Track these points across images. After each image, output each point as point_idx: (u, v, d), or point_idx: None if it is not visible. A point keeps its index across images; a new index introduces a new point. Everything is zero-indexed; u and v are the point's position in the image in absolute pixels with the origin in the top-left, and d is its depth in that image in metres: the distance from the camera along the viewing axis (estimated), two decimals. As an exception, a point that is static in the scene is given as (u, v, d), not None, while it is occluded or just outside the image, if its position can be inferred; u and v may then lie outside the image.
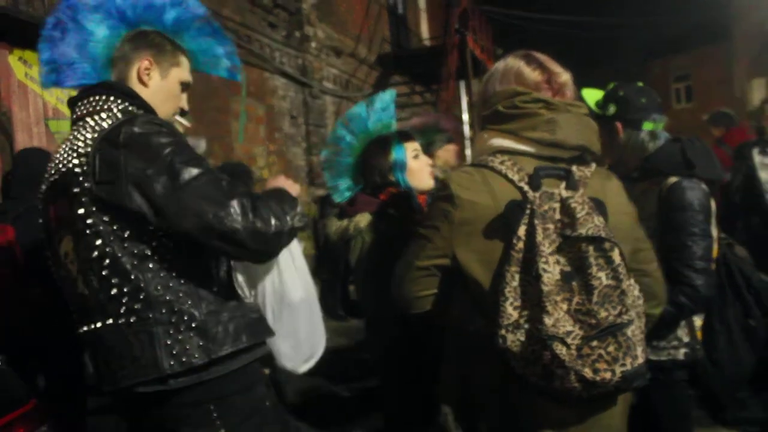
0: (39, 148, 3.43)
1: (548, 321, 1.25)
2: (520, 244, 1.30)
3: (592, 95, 2.22)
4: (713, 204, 2.07)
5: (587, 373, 1.25)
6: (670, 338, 2.06)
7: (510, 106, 1.48)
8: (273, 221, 1.44)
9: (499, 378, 1.40)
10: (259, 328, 1.59)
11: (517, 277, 1.29)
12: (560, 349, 1.25)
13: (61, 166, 1.51)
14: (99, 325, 1.49)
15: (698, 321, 2.11)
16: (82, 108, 1.54)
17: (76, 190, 1.45)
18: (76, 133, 1.51)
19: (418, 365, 2.10)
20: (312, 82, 9.40)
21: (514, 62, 1.55)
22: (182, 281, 1.47)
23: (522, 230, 1.31)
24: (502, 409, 1.45)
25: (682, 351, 2.06)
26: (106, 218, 1.43)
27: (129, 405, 1.55)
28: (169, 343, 1.44)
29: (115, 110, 1.50)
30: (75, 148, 1.48)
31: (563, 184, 1.39)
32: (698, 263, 1.95)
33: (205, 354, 1.45)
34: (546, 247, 1.29)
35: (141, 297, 1.44)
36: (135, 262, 1.44)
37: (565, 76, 1.53)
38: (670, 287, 1.92)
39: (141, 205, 1.40)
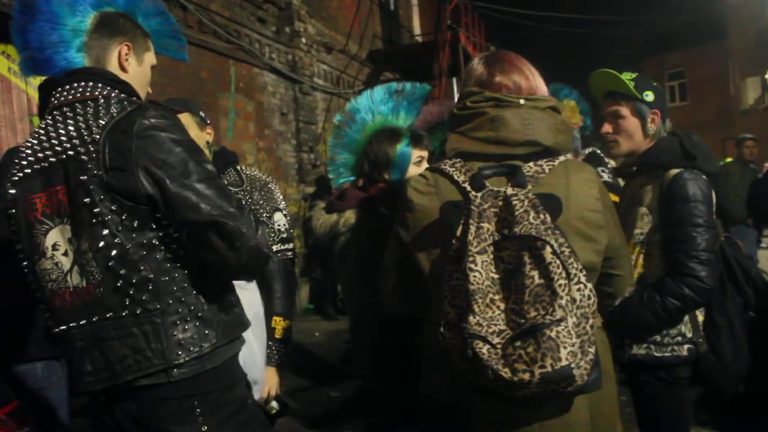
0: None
1: (472, 320, 1.26)
2: (457, 244, 1.32)
3: (609, 76, 2.17)
4: (714, 196, 2.06)
5: (506, 372, 1.24)
6: (673, 334, 2.05)
7: (461, 108, 1.52)
8: (266, 244, 1.50)
9: (451, 377, 1.41)
10: (240, 320, 1.61)
11: (454, 276, 1.30)
12: (480, 348, 1.25)
13: (51, 154, 1.48)
14: (96, 319, 1.46)
15: (700, 316, 2.09)
16: (65, 94, 1.51)
17: (82, 177, 1.42)
18: (60, 120, 1.49)
19: (402, 365, 2.05)
20: (302, 79, 9.34)
21: (474, 63, 1.58)
22: (186, 272, 1.48)
23: (459, 230, 1.33)
24: (458, 408, 1.48)
25: (686, 347, 2.05)
26: (114, 207, 1.42)
27: (110, 404, 1.51)
28: (176, 333, 1.45)
29: (102, 98, 1.49)
30: (70, 135, 1.46)
31: (512, 182, 1.40)
32: (702, 254, 1.94)
33: (210, 343, 1.48)
34: (474, 246, 1.29)
35: (149, 288, 1.43)
36: (143, 253, 1.44)
37: (513, 74, 1.51)
38: (673, 280, 1.95)
39: (153, 193, 1.41)
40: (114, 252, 1.42)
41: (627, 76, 2.14)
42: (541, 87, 1.53)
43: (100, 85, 1.51)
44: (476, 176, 1.40)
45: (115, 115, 1.44)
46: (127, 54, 1.60)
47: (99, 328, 1.46)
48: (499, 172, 1.43)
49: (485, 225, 1.31)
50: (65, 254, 1.48)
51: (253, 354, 1.91)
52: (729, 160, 7.52)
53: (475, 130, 1.47)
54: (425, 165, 2.30)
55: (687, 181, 1.98)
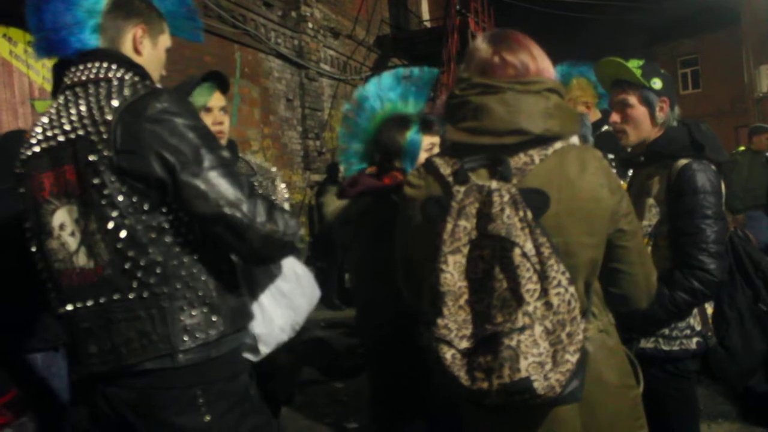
0: (23, 131, 3.32)
1: (440, 322, 1.22)
2: (437, 241, 1.26)
3: (616, 64, 2.12)
4: (723, 186, 2.02)
5: (465, 380, 1.20)
6: (682, 327, 2.02)
7: (451, 96, 1.45)
8: (282, 230, 1.47)
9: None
10: (246, 310, 1.60)
11: (433, 274, 1.25)
12: (444, 353, 1.22)
13: (59, 133, 1.47)
14: (103, 300, 1.45)
15: (709, 309, 2.07)
16: (78, 74, 1.50)
17: (92, 158, 1.41)
18: (71, 100, 1.48)
19: (408, 358, 2.05)
20: (308, 64, 9.27)
21: (477, 42, 1.48)
22: (195, 257, 1.47)
23: (440, 227, 1.27)
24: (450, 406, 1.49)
25: (695, 340, 2.02)
26: (124, 189, 1.41)
27: (110, 391, 1.49)
28: (182, 318, 1.44)
29: (115, 80, 1.48)
30: (81, 115, 1.45)
31: (496, 175, 1.33)
32: (712, 247, 1.90)
33: (217, 331, 1.47)
34: (447, 246, 1.24)
35: (157, 271, 1.43)
36: (152, 236, 1.43)
37: (519, 52, 1.41)
38: (682, 273, 1.91)
39: (165, 177, 1.40)
40: (123, 234, 1.41)
41: (634, 64, 2.09)
42: (548, 68, 1.43)
43: (114, 66, 1.50)
44: (460, 170, 1.33)
45: (128, 97, 1.43)
46: (141, 37, 1.59)
47: (106, 309, 1.45)
48: (484, 164, 1.35)
49: (463, 223, 1.25)
50: (72, 234, 1.47)
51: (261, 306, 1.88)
52: (742, 148, 7.41)
53: (462, 121, 1.39)
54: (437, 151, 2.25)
55: (696, 172, 1.94)
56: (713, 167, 1.99)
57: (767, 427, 3.38)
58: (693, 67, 24.59)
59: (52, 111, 1.52)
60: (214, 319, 1.47)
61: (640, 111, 2.08)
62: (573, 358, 1.20)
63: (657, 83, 2.07)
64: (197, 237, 1.48)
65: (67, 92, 1.51)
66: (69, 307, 1.50)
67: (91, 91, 1.47)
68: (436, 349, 1.22)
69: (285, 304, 1.83)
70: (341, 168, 2.39)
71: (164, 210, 1.44)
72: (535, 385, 1.16)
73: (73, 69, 1.51)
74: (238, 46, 7.79)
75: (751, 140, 7.11)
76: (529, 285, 1.19)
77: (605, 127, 3.04)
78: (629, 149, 2.23)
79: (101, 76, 1.48)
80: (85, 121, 1.43)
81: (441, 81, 11.19)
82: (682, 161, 1.98)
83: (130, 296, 1.43)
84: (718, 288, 1.96)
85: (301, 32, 9.17)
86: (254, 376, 1.66)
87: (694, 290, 1.89)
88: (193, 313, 1.45)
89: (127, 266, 1.42)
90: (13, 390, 2.11)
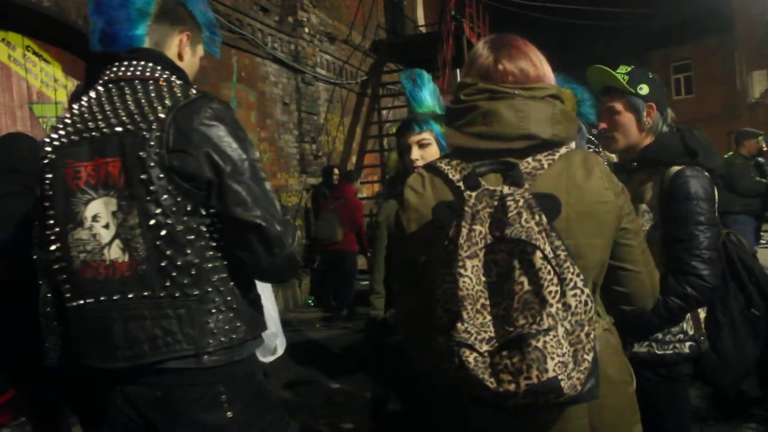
0: (21, 134, 3.32)
1: (460, 327, 1.21)
2: (450, 246, 1.25)
3: (603, 72, 2.15)
4: (716, 192, 2.03)
5: (491, 383, 1.19)
6: (675, 332, 2.02)
7: (455, 101, 1.45)
8: (300, 253, 1.53)
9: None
10: (262, 318, 1.64)
11: (447, 279, 1.24)
12: (467, 356, 1.20)
13: (104, 125, 1.48)
14: (131, 296, 1.46)
15: (702, 313, 2.08)
16: (123, 69, 1.54)
17: (142, 154, 1.42)
18: (116, 94, 1.51)
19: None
20: (305, 69, 9.30)
21: (478, 48, 1.48)
22: (226, 263, 1.50)
23: (452, 231, 1.26)
24: (456, 414, 1.46)
25: (688, 344, 2.03)
26: (170, 187, 1.43)
27: (134, 388, 1.50)
28: (209, 321, 1.46)
29: (163, 81, 1.52)
30: (129, 111, 1.47)
31: (508, 180, 1.34)
32: (705, 253, 1.91)
33: (239, 336, 1.50)
34: (465, 250, 1.23)
35: (192, 273, 1.45)
36: (191, 237, 1.45)
37: (520, 59, 1.42)
38: (675, 278, 1.91)
39: (212, 179, 1.43)
40: (164, 232, 1.43)
41: (622, 70, 2.11)
42: (548, 74, 1.45)
43: (159, 67, 1.55)
44: (470, 175, 1.34)
45: (180, 98, 1.47)
46: (185, 43, 1.66)
47: (132, 305, 1.46)
48: (494, 169, 1.36)
49: (477, 227, 1.25)
50: (106, 227, 1.47)
51: (266, 310, 1.93)
52: (730, 153, 7.44)
53: (469, 125, 1.39)
54: (431, 150, 2.29)
55: (689, 179, 1.95)
56: (706, 174, 1.99)
57: (758, 430, 3.42)
58: (686, 73, 24.70)
59: (92, 101, 1.54)
60: (238, 324, 1.50)
61: (626, 117, 2.10)
62: (589, 357, 1.22)
63: (644, 89, 2.09)
64: (227, 244, 1.51)
65: (111, 86, 1.54)
66: (89, 300, 1.49)
67: (139, 88, 1.50)
68: (457, 353, 1.21)
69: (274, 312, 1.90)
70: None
71: (203, 213, 1.46)
72: (562, 384, 1.17)
73: (117, 64, 1.56)
74: (234, 50, 7.80)
75: (742, 144, 7.11)
76: (551, 287, 1.19)
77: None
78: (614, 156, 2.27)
79: (147, 74, 1.53)
80: (136, 117, 1.46)
81: (436, 85, 11.22)
82: (676, 167, 1.99)
83: (161, 294, 1.44)
84: (712, 293, 1.96)
85: (297, 37, 9.19)
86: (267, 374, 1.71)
87: (687, 296, 1.90)
88: (220, 317, 1.48)
89: (163, 264, 1.43)
90: (11, 390, 2.11)
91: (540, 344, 1.17)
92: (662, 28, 22.97)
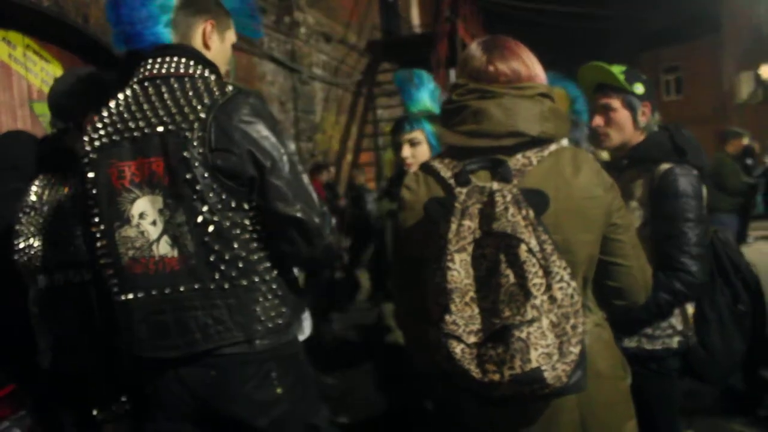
0: (23, 132, 3.34)
1: (448, 319, 1.23)
2: (440, 242, 1.28)
3: (600, 69, 2.17)
4: (704, 190, 2.07)
5: (476, 373, 1.21)
6: (664, 327, 2.06)
7: (447, 101, 1.48)
8: (337, 242, 1.60)
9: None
10: (302, 300, 1.70)
11: (437, 273, 1.27)
12: (454, 348, 1.23)
13: (144, 125, 1.50)
14: (182, 288, 1.50)
15: (690, 309, 2.11)
16: (156, 67, 1.55)
17: (186, 154, 1.45)
18: (153, 93, 1.52)
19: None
20: (301, 68, 9.32)
21: (471, 49, 1.51)
22: (268, 253, 1.55)
23: (442, 227, 1.29)
24: (452, 410, 1.47)
25: (676, 339, 2.06)
26: (215, 185, 1.46)
27: (188, 370, 1.54)
28: (257, 309, 1.52)
29: (198, 77, 1.53)
30: (169, 110, 1.49)
31: (497, 177, 1.35)
32: (694, 249, 1.94)
33: (286, 319, 1.57)
34: (453, 244, 1.25)
35: (239, 265, 1.49)
36: (236, 232, 1.49)
37: (512, 60, 1.45)
38: (665, 274, 1.93)
39: (255, 176, 1.47)
40: (211, 228, 1.47)
41: (617, 69, 2.13)
42: (540, 74, 1.47)
43: (192, 62, 1.55)
44: (461, 172, 1.35)
45: (218, 96, 1.48)
46: (210, 32, 1.64)
47: (184, 297, 1.50)
48: (485, 166, 1.39)
49: (467, 222, 1.27)
50: (153, 224, 1.50)
51: None
52: (721, 153, 7.49)
53: (460, 124, 1.43)
54: (421, 148, 2.35)
55: (678, 177, 1.98)
56: (695, 172, 2.02)
57: (745, 423, 3.45)
58: (675, 74, 24.84)
59: (129, 100, 1.55)
60: (283, 309, 1.57)
61: (623, 114, 2.12)
62: (576, 350, 1.22)
63: (639, 88, 2.11)
64: (268, 235, 1.55)
65: (146, 83, 1.54)
66: (140, 294, 1.53)
67: (176, 86, 1.51)
68: (445, 344, 1.23)
69: None
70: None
71: (246, 208, 1.50)
72: (545, 374, 1.18)
73: (150, 62, 1.57)
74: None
75: (729, 144, 7.03)
76: (536, 279, 1.21)
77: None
78: (605, 153, 2.32)
79: (182, 71, 1.53)
80: (176, 117, 1.47)
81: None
82: (665, 165, 2.02)
83: (211, 286, 1.49)
84: (700, 289, 1.99)
85: (294, 37, 9.21)
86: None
87: (676, 292, 1.93)
88: (267, 303, 1.54)
89: (212, 258, 1.48)
90: (11, 384, 2.13)
91: (523, 335, 1.18)
92: (652, 31, 23.07)
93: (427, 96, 2.45)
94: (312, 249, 1.53)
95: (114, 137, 1.54)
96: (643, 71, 2.30)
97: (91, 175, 1.56)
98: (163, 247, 1.51)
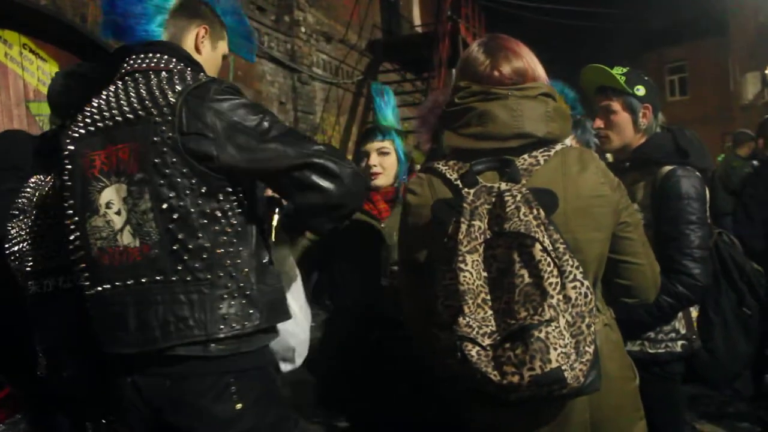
0: (21, 131, 3.32)
1: (462, 321, 1.23)
2: (450, 243, 1.28)
3: (600, 71, 2.16)
4: (707, 192, 2.05)
5: (495, 375, 1.21)
6: (667, 330, 2.04)
7: (450, 104, 1.48)
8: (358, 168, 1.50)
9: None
10: (282, 307, 1.60)
11: (447, 276, 1.26)
12: (469, 350, 1.22)
13: (117, 114, 1.49)
14: (144, 280, 1.45)
15: (694, 312, 2.10)
16: (139, 62, 1.54)
17: (155, 138, 1.42)
18: (131, 85, 1.51)
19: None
20: (301, 68, 9.31)
21: (473, 51, 1.50)
22: (240, 249, 1.48)
23: (450, 228, 1.29)
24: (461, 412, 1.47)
25: (680, 343, 2.05)
26: (185, 170, 1.42)
27: (143, 380, 1.49)
28: (221, 307, 1.44)
29: (176, 71, 1.51)
30: (141, 98, 1.47)
31: (505, 177, 1.36)
32: (696, 252, 1.93)
33: (252, 324, 1.47)
34: (464, 245, 1.25)
35: (203, 256, 1.43)
36: (204, 221, 1.43)
37: (516, 62, 1.45)
38: (667, 277, 1.90)
39: (233, 156, 1.41)
40: (176, 215, 1.42)
41: (618, 71, 2.12)
42: (542, 74, 1.48)
43: (174, 59, 1.54)
44: (468, 173, 1.36)
45: (190, 81, 1.46)
46: (203, 36, 1.64)
47: (146, 290, 1.45)
48: (491, 166, 1.39)
49: (477, 223, 1.27)
50: (118, 213, 1.47)
51: (295, 318, 1.91)
52: (722, 156, 7.45)
53: (465, 127, 1.43)
54: (389, 159, 2.35)
55: (680, 178, 1.97)
56: (698, 174, 2.01)
57: (750, 428, 3.44)
58: (681, 74, 24.78)
59: (110, 94, 1.54)
60: (251, 311, 1.47)
61: (623, 117, 2.11)
62: (591, 349, 1.23)
63: (640, 90, 2.10)
64: (246, 229, 1.49)
65: (127, 78, 1.53)
66: (106, 286, 1.49)
67: (153, 77, 1.49)
68: (460, 347, 1.22)
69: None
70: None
71: (221, 198, 1.45)
72: (566, 374, 1.18)
73: (134, 57, 1.55)
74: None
75: (740, 146, 7.06)
76: (551, 278, 1.20)
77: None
78: (610, 155, 2.29)
79: (162, 66, 1.52)
80: (147, 103, 1.45)
81: (431, 85, 11.27)
82: (667, 167, 2.01)
83: (173, 278, 1.43)
84: (703, 292, 1.97)
85: (294, 36, 9.21)
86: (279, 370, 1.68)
87: (679, 295, 1.91)
88: (232, 302, 1.45)
89: (175, 247, 1.42)
90: (6, 388, 2.10)
91: (542, 335, 1.18)
92: (657, 30, 23.06)
93: (391, 113, 2.49)
94: (341, 183, 1.43)
95: (90, 128, 1.53)
96: (647, 71, 2.30)
97: (68, 167, 1.55)
98: (126, 237, 1.47)
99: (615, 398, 1.42)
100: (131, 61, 1.56)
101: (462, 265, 1.24)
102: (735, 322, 2.13)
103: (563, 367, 1.18)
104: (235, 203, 1.47)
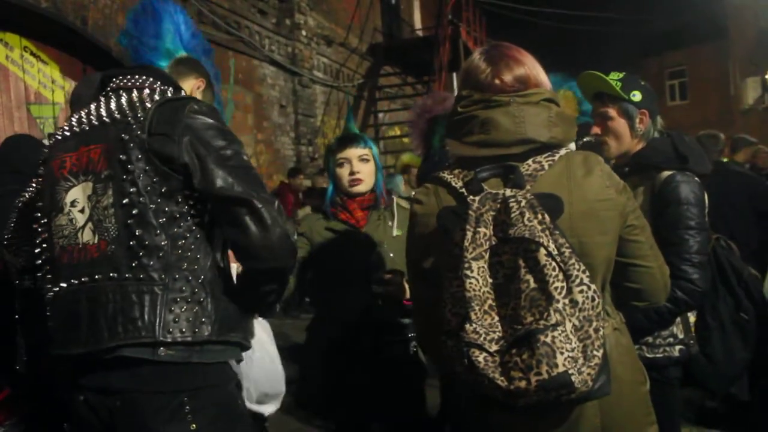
0: (25, 135, 3.33)
1: (469, 328, 1.22)
2: (456, 250, 1.27)
3: (595, 77, 2.16)
4: (706, 197, 2.05)
5: (502, 381, 1.20)
6: (665, 335, 2.04)
7: (453, 113, 1.49)
8: (294, 237, 1.54)
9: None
10: (242, 326, 1.55)
11: (454, 283, 1.26)
12: (476, 356, 1.22)
13: (94, 119, 1.53)
14: (98, 277, 1.43)
15: (692, 317, 2.10)
16: (125, 81, 1.60)
17: (124, 136, 1.45)
18: (113, 99, 1.56)
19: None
20: (302, 71, 9.32)
21: (475, 60, 1.51)
22: (199, 256, 1.46)
23: (457, 236, 1.28)
24: (466, 415, 1.46)
25: (678, 348, 2.05)
26: (147, 167, 1.43)
27: (95, 397, 1.45)
28: (172, 310, 1.40)
29: (158, 89, 1.57)
30: (120, 106, 1.52)
31: (509, 183, 1.35)
32: (695, 257, 1.92)
33: (201, 334, 1.43)
34: (470, 252, 1.25)
35: (159, 255, 1.42)
36: (162, 221, 1.43)
37: (518, 70, 1.45)
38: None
39: (191, 163, 1.43)
40: (135, 210, 1.42)
41: (614, 77, 2.13)
42: (544, 81, 1.48)
43: (159, 82, 1.60)
44: (473, 180, 1.36)
45: (169, 95, 1.53)
46: (199, 88, 1.83)
47: (99, 288, 1.43)
48: (496, 173, 1.39)
49: (482, 230, 1.27)
50: (81, 211, 1.48)
51: (273, 363, 1.88)
52: (725, 159, 7.44)
53: (468, 135, 1.43)
54: (369, 166, 2.39)
55: (679, 184, 1.97)
56: (697, 179, 2.01)
57: (747, 432, 3.46)
58: (681, 79, 24.80)
59: (91, 107, 1.57)
60: (203, 320, 1.43)
61: (619, 123, 2.11)
62: (599, 353, 1.22)
63: (636, 96, 2.10)
64: (205, 236, 1.48)
65: (111, 93, 1.58)
66: (63, 285, 1.48)
67: (134, 93, 1.55)
68: (467, 354, 1.22)
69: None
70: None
71: (180, 200, 1.45)
72: (573, 378, 1.17)
73: (122, 76, 1.61)
74: (232, 52, 7.82)
75: (740, 151, 7.04)
76: (557, 283, 1.20)
77: (586, 138, 3.18)
78: (612, 161, 2.29)
79: (146, 85, 1.58)
80: (125, 109, 1.50)
81: (432, 89, 11.27)
82: (666, 173, 2.01)
83: (127, 275, 1.41)
84: (702, 298, 1.97)
85: (294, 40, 9.22)
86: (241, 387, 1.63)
87: (677, 300, 1.90)
88: (184, 308, 1.41)
89: (131, 243, 1.41)
90: (5, 390, 2.09)
91: (548, 339, 1.17)
92: (658, 35, 23.06)
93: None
94: (266, 234, 1.41)
95: (66, 133, 1.57)
96: (647, 76, 2.31)
97: (41, 170, 1.60)
98: (87, 234, 1.47)
99: (626, 403, 1.41)
100: (117, 80, 1.61)
101: (468, 272, 1.24)
102: (732, 327, 2.13)
103: (570, 372, 1.17)
104: (195, 209, 1.47)
